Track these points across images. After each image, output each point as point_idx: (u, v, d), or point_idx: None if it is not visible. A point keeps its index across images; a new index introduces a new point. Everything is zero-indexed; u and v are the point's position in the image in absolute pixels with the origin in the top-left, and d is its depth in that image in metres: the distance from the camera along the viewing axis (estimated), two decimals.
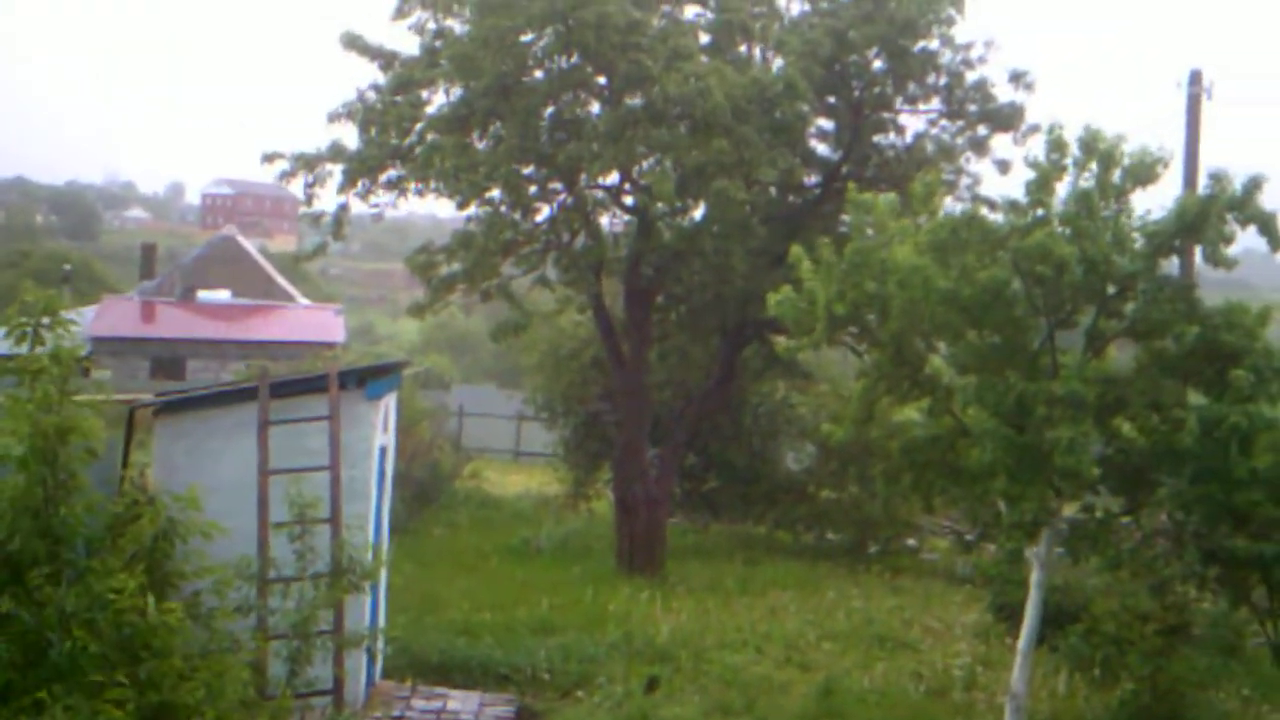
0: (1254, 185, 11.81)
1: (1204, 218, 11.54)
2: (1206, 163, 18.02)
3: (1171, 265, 17.40)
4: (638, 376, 20.59)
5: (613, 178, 19.52)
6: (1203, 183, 12.74)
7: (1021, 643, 12.50)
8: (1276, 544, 11.44)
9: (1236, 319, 11.80)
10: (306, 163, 19.34)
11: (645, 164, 19.06)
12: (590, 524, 23.82)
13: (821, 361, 25.68)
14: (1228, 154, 14.65)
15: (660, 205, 18.75)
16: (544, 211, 19.63)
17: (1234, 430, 11.37)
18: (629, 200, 20.00)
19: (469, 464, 27.95)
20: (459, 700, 12.81)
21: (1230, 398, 11.56)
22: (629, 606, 16.85)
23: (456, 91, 18.97)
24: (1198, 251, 12.62)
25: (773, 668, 14.78)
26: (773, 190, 20.32)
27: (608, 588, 18.02)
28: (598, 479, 25.64)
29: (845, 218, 17.09)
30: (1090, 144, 12.18)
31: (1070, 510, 12.64)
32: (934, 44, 19.84)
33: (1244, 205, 11.72)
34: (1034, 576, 12.53)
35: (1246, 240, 12.28)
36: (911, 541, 24.47)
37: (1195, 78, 21.03)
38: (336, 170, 19.37)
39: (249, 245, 52.82)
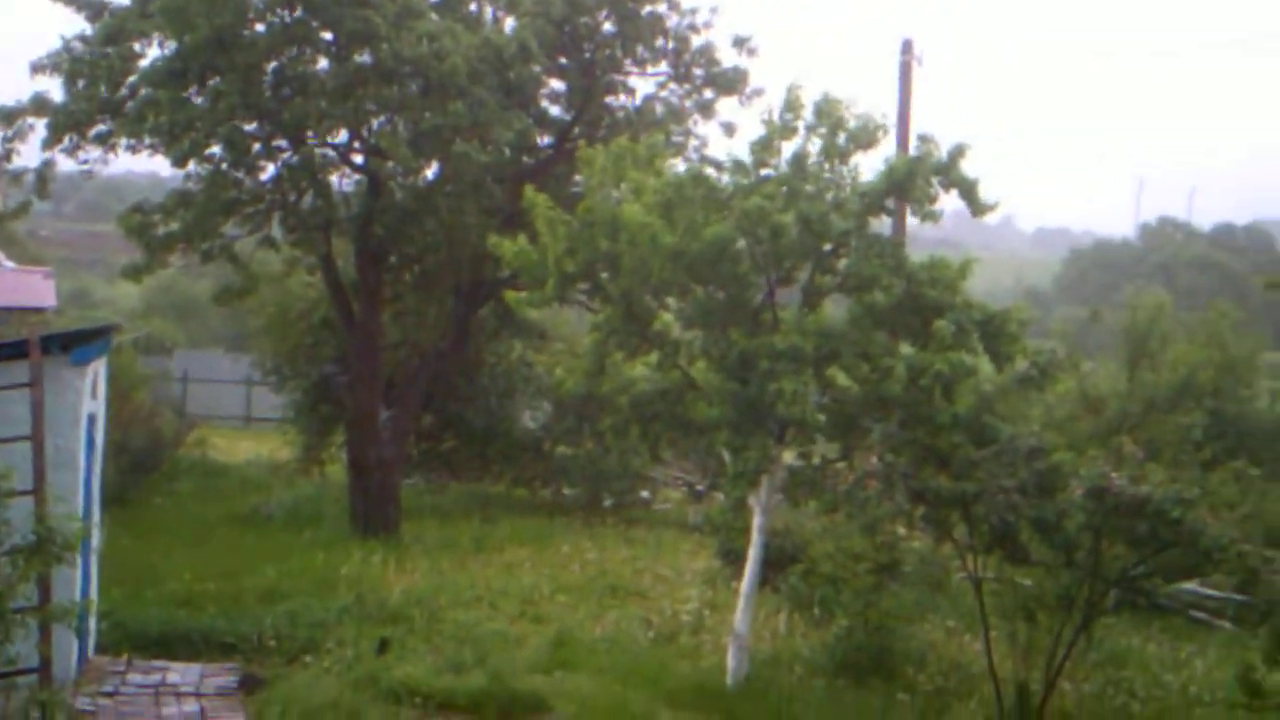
0: (958, 152, 12.57)
1: (911, 179, 12.19)
2: (923, 125, 19.21)
3: (884, 225, 18.41)
4: (370, 338, 20.24)
5: (341, 136, 19.07)
6: (914, 146, 13.49)
7: (744, 585, 13.01)
8: (976, 483, 12.24)
9: (939, 274, 12.55)
10: (5, 116, 18.12)
11: (376, 123, 18.71)
12: (324, 488, 23.35)
13: (557, 321, 25.92)
14: (944, 117, 15.53)
15: (391, 165, 18.43)
16: (268, 170, 19.01)
17: (937, 377, 12.11)
18: (359, 159, 19.55)
19: (194, 431, 26.87)
20: (179, 672, 12.36)
21: (934, 347, 12.30)
22: (361, 570, 16.62)
23: (172, 44, 18.10)
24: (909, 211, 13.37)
25: (506, 623, 14.90)
26: (506, 151, 20.27)
27: (340, 552, 17.71)
28: (331, 442, 25.13)
29: (579, 178, 17.25)
30: (824, 108, 12.70)
31: (789, 458, 13.23)
32: (661, 7, 20.21)
33: (948, 170, 12.46)
34: (756, 522, 13.04)
35: (957, 201, 13.08)
36: (645, 494, 25.07)
37: (907, 46, 22.19)
38: (40, 125, 18.25)
39: None
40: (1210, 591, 18.04)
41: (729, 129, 20.91)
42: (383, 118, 18.58)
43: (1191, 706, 12.97)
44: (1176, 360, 25.83)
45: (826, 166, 12.60)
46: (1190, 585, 18.23)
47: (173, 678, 12.23)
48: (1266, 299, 46.22)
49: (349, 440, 21.18)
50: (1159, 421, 23.43)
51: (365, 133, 18.80)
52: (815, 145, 12.78)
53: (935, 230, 17.48)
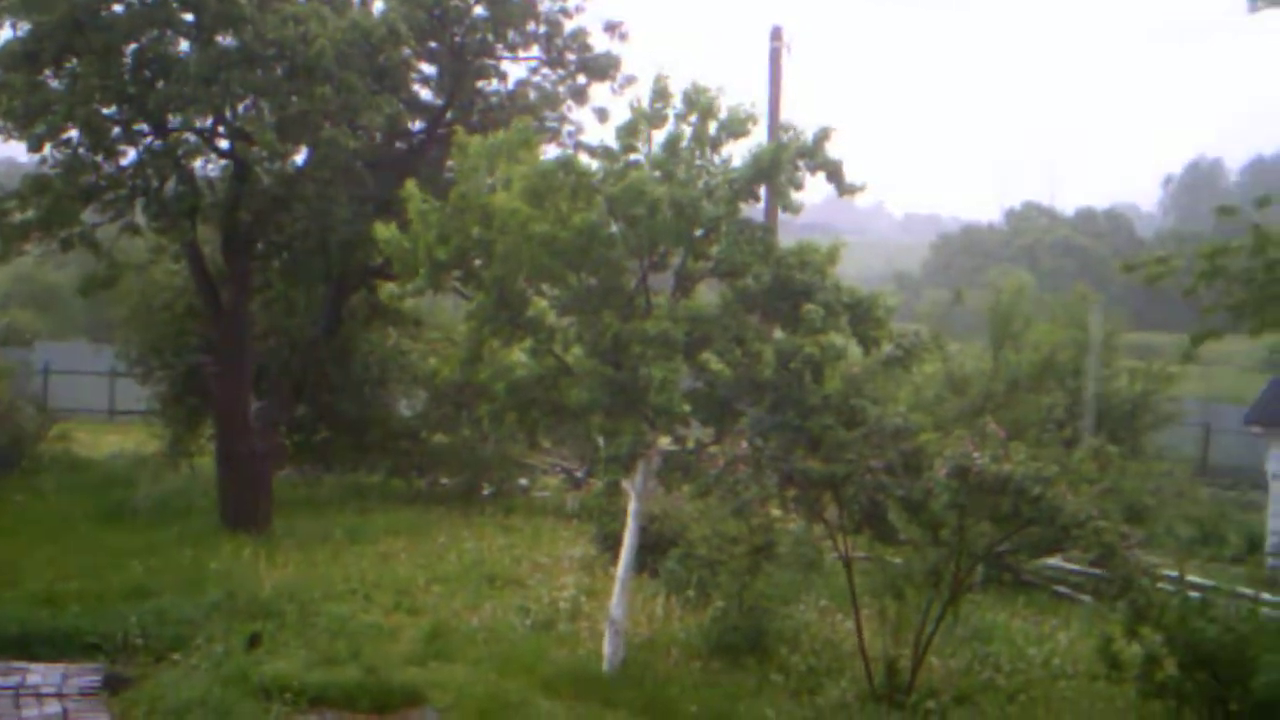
0: (823, 135, 12.74)
1: (777, 164, 12.32)
2: (794, 112, 19.40)
3: (757, 211, 18.58)
4: (238, 327, 19.79)
5: (206, 120, 18.58)
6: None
7: (620, 571, 13.06)
8: (846, 464, 12.46)
9: (808, 258, 12.72)
10: None
11: (241, 107, 18.27)
12: (193, 482, 22.75)
13: (434, 308, 25.65)
14: (815, 104, 15.71)
15: (257, 150, 18.02)
16: (129, 155, 18.47)
17: (807, 361, 12.29)
18: (224, 144, 19.08)
19: (56, 425, 26.01)
20: (40, 673, 12.02)
21: (803, 331, 12.46)
22: (232, 564, 16.30)
23: (25, 25, 17.45)
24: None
25: (381, 615, 14.73)
26: (377, 136, 19.98)
27: (209, 547, 17.34)
28: (200, 435, 24.52)
29: (451, 163, 17.08)
30: (693, 97, 12.75)
31: (665, 443, 13.31)
32: None
33: (814, 153, 12.62)
34: (631, 507, 13.09)
35: (829, 187, 13.22)
36: (524, 481, 24.99)
37: (776, 33, 22.36)
38: None
39: None
40: (1073, 566, 18.63)
41: (602, 115, 20.88)
42: (248, 101, 18.15)
43: (1055, 679, 13.38)
44: (1038, 341, 26.58)
45: (698, 154, 12.67)
46: (1054, 561, 18.81)
47: (33, 679, 11.89)
48: (1125, 281, 47.82)
49: (218, 432, 20.69)
50: (1022, 401, 24.08)
51: (230, 117, 18.34)
52: (687, 133, 12.83)
53: (808, 216, 17.72)
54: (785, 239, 13.97)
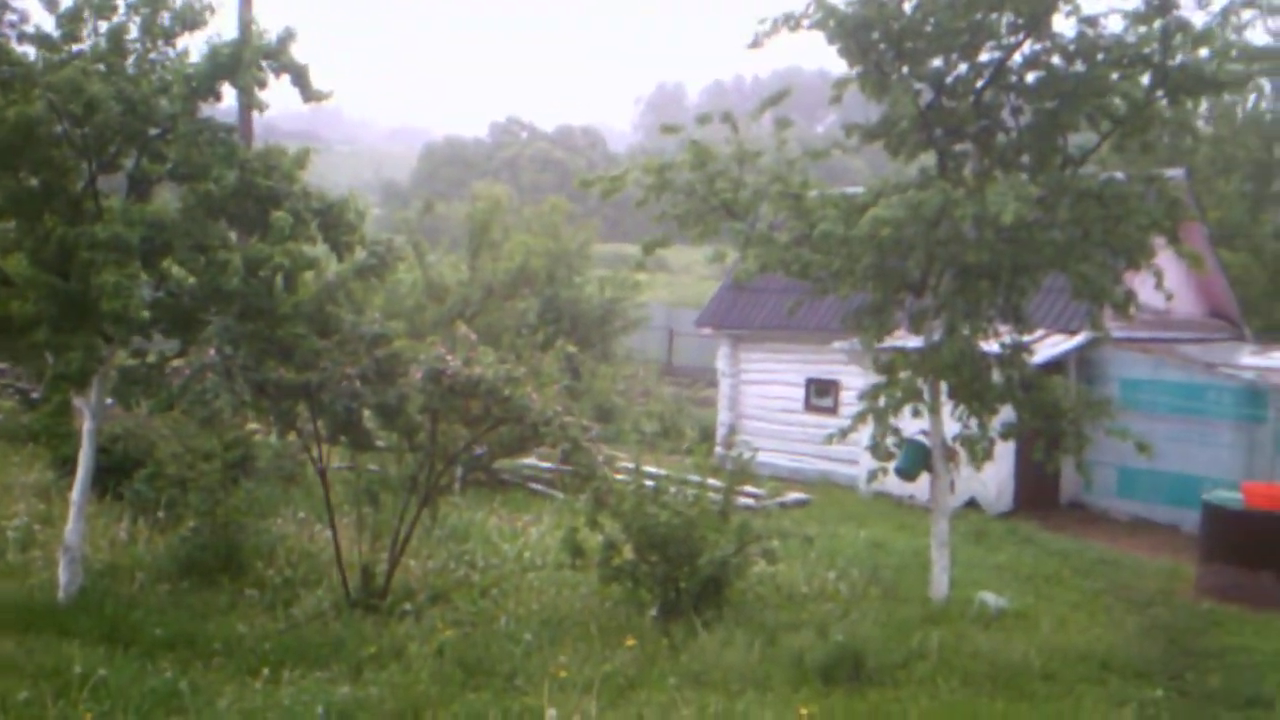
0: (287, 36, 12.23)
1: (238, 63, 11.71)
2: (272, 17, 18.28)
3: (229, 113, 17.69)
4: None
5: None
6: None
7: (75, 494, 12.18)
8: (320, 373, 12.30)
9: (275, 162, 12.27)
10: None
11: None
12: None
13: None
14: (298, 12, 14.98)
15: None
16: None
17: (276, 268, 11.91)
18: None
19: None
20: None
21: (272, 237, 12.06)
22: None
23: None
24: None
25: None
26: None
27: None
28: None
29: None
30: None
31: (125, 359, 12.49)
32: None
33: (278, 55, 12.10)
34: (86, 427, 12.21)
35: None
36: None
37: None
38: None
39: None
40: (547, 465, 19.58)
41: (52, 3, 18.89)
42: None
43: (525, 571, 14.02)
44: (514, 250, 27.47)
45: (149, 46, 11.80)
46: (530, 460, 19.67)
47: None
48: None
49: None
50: (498, 307, 24.84)
51: None
52: (136, 24, 11.91)
53: (294, 125, 17.07)
54: (260, 144, 13.38)
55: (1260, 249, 29.02)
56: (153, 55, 12.20)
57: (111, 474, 15.15)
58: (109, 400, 12.44)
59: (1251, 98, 30.68)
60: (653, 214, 13.44)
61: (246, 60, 11.55)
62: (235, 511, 13.59)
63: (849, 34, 12.12)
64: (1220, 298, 24.33)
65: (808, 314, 22.00)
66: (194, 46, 12.28)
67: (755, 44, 12.25)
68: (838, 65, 12.91)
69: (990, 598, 12.92)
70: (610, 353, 28.58)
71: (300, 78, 12.11)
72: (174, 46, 12.30)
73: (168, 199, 13.06)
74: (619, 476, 12.88)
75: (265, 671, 9.96)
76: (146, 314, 11.25)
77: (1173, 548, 17.56)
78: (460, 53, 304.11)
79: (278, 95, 12.60)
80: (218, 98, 12.00)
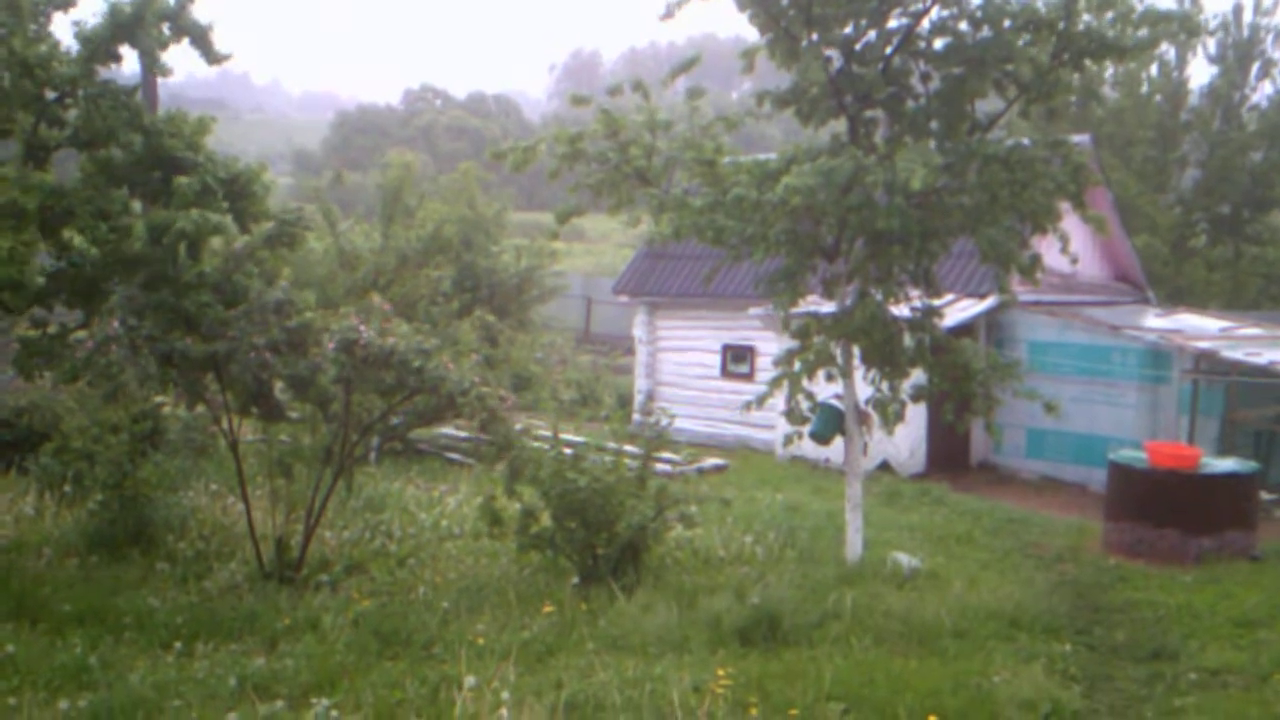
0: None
1: (139, 23, 11.44)
2: None
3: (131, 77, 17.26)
4: None
5: None
6: None
7: None
8: (228, 342, 12.08)
9: (178, 128, 12.02)
10: None
11: None
12: None
13: None
14: None
15: None
16: None
17: (181, 236, 11.68)
18: None
19: None
20: None
21: (176, 204, 11.82)
22: None
23: None
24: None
25: None
26: None
27: None
28: None
29: None
30: None
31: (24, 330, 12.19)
32: None
33: (177, 16, 11.84)
34: None
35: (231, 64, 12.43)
36: None
37: None
38: None
39: None
40: (464, 434, 19.45)
41: None
42: None
43: (443, 540, 13.95)
44: (427, 217, 27.18)
45: (43, 7, 11.47)
46: (448, 430, 19.55)
47: None
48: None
49: None
50: (412, 276, 24.58)
51: None
52: None
53: (202, 92, 16.73)
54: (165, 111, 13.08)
55: (1156, 225, 29.73)
56: (44, 14, 11.86)
57: (16, 448, 14.80)
58: (10, 373, 12.13)
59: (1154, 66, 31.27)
60: (567, 184, 13.37)
61: (148, 20, 11.26)
62: (144, 485, 13.35)
63: (758, 1, 12.11)
64: (1125, 262, 24.85)
65: (723, 281, 22.13)
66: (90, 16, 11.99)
67: (668, 14, 12.19)
68: (752, 33, 12.89)
69: (903, 558, 13.12)
70: (528, 321, 28.44)
71: (201, 40, 11.86)
72: (68, 11, 11.99)
73: (68, 166, 12.75)
74: (536, 444, 12.84)
75: (178, 645, 9.83)
76: (41, 280, 10.97)
77: (1080, 506, 17.98)
78: (373, 18, 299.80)
79: (183, 61, 12.38)
80: (118, 60, 11.70)
